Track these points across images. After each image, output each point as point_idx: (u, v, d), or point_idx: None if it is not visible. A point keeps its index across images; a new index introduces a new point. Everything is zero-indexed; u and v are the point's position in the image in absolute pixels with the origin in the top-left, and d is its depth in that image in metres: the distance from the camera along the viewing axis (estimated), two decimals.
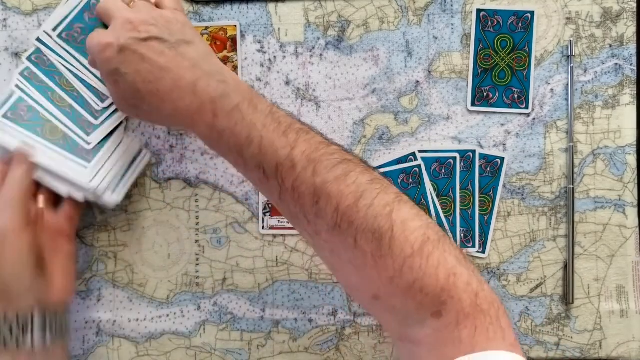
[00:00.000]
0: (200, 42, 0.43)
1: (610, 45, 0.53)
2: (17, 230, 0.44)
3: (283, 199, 0.39)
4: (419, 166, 0.53)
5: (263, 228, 0.53)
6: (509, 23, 0.53)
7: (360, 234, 0.36)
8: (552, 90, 0.53)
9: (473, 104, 0.53)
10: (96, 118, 0.49)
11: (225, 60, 0.53)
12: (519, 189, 0.53)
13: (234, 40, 0.53)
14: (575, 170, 0.53)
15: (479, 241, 0.53)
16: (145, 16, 0.42)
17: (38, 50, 0.50)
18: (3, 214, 0.44)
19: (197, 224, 0.54)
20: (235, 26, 0.53)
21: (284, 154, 0.38)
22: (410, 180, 0.53)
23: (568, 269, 0.52)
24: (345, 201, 0.37)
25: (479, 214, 0.53)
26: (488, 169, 0.53)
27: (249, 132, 0.39)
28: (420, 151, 0.53)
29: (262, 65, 0.54)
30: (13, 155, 0.46)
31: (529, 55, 0.53)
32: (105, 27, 0.44)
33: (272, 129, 0.39)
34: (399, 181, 0.53)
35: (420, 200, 0.53)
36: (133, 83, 0.41)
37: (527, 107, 0.53)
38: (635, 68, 0.53)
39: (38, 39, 0.49)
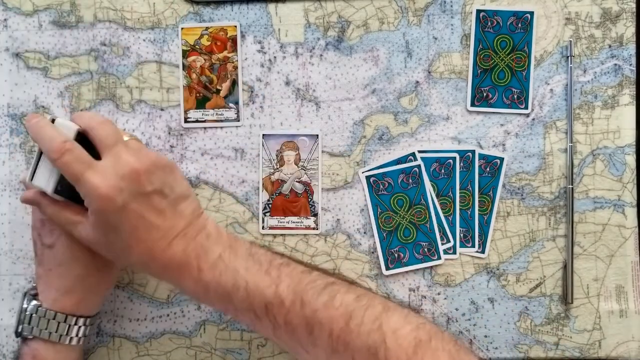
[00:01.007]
0: (193, 192, 0.44)
1: (610, 46, 0.53)
2: None
3: (278, 335, 0.40)
4: (418, 166, 0.53)
5: (263, 228, 0.54)
6: (508, 23, 0.53)
7: (357, 353, 0.37)
8: (551, 90, 0.53)
9: (473, 104, 0.53)
10: None
11: (225, 61, 0.54)
12: (519, 189, 0.53)
13: (234, 40, 0.54)
14: (575, 170, 0.53)
15: (479, 241, 0.53)
16: (148, 164, 0.40)
17: None
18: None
19: None
20: (236, 26, 0.54)
21: (270, 292, 0.39)
22: (410, 180, 0.53)
23: (567, 268, 0.52)
24: (337, 325, 0.38)
25: (479, 214, 0.53)
26: (487, 169, 0.53)
27: (234, 279, 0.40)
28: (419, 151, 0.53)
29: (262, 66, 0.54)
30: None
31: (529, 56, 0.53)
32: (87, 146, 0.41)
33: (254, 270, 0.40)
34: (399, 181, 0.53)
35: (420, 200, 0.53)
36: (127, 240, 0.40)
37: (526, 108, 0.53)
38: (634, 68, 0.53)
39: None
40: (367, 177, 0.53)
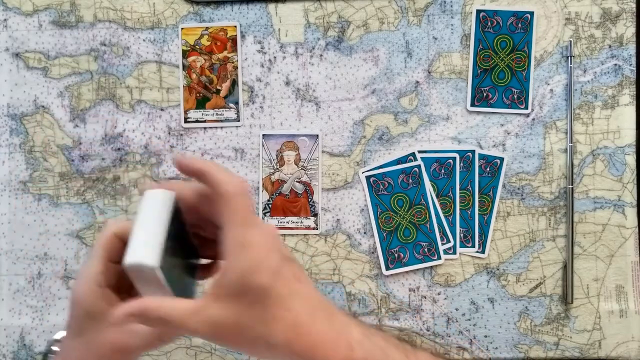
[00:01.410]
0: None
1: (610, 46, 0.53)
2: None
3: None
4: (418, 166, 0.53)
5: None
6: (508, 23, 0.53)
7: None
8: (551, 90, 0.53)
9: (473, 105, 0.53)
10: None
11: (225, 61, 0.54)
12: (519, 189, 0.53)
13: (234, 40, 0.54)
14: (575, 170, 0.53)
15: (479, 241, 0.53)
16: (276, 230, 0.36)
17: None
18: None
19: None
20: (236, 27, 0.54)
21: None
22: (410, 180, 0.53)
23: (567, 269, 0.52)
24: None
25: (479, 214, 0.53)
26: (487, 169, 0.53)
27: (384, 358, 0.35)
28: (420, 151, 0.53)
29: (262, 66, 0.54)
30: None
31: (529, 56, 0.53)
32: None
33: (395, 351, 0.36)
34: (399, 181, 0.53)
35: (420, 200, 0.53)
36: (274, 310, 0.33)
37: (526, 108, 0.53)
38: (634, 68, 0.53)
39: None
40: (367, 177, 0.53)
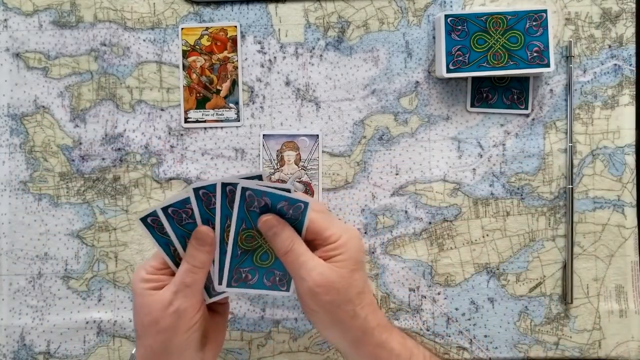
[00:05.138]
0: None
1: (610, 46, 0.53)
2: (195, 309, 0.42)
3: None
4: (306, 203, 0.43)
5: None
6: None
7: None
8: (551, 90, 0.53)
9: (472, 105, 0.53)
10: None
11: (225, 61, 0.54)
12: (518, 189, 0.53)
13: (234, 40, 0.54)
14: (574, 170, 0.53)
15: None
16: None
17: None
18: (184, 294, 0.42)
19: None
20: (236, 27, 0.54)
21: None
22: (291, 212, 0.43)
23: (567, 268, 0.52)
24: None
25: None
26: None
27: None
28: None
29: (262, 66, 0.54)
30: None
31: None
32: None
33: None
34: (278, 206, 0.43)
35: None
36: (363, 284, 0.43)
37: (526, 108, 0.53)
38: (634, 68, 0.53)
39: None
40: (243, 189, 0.43)
